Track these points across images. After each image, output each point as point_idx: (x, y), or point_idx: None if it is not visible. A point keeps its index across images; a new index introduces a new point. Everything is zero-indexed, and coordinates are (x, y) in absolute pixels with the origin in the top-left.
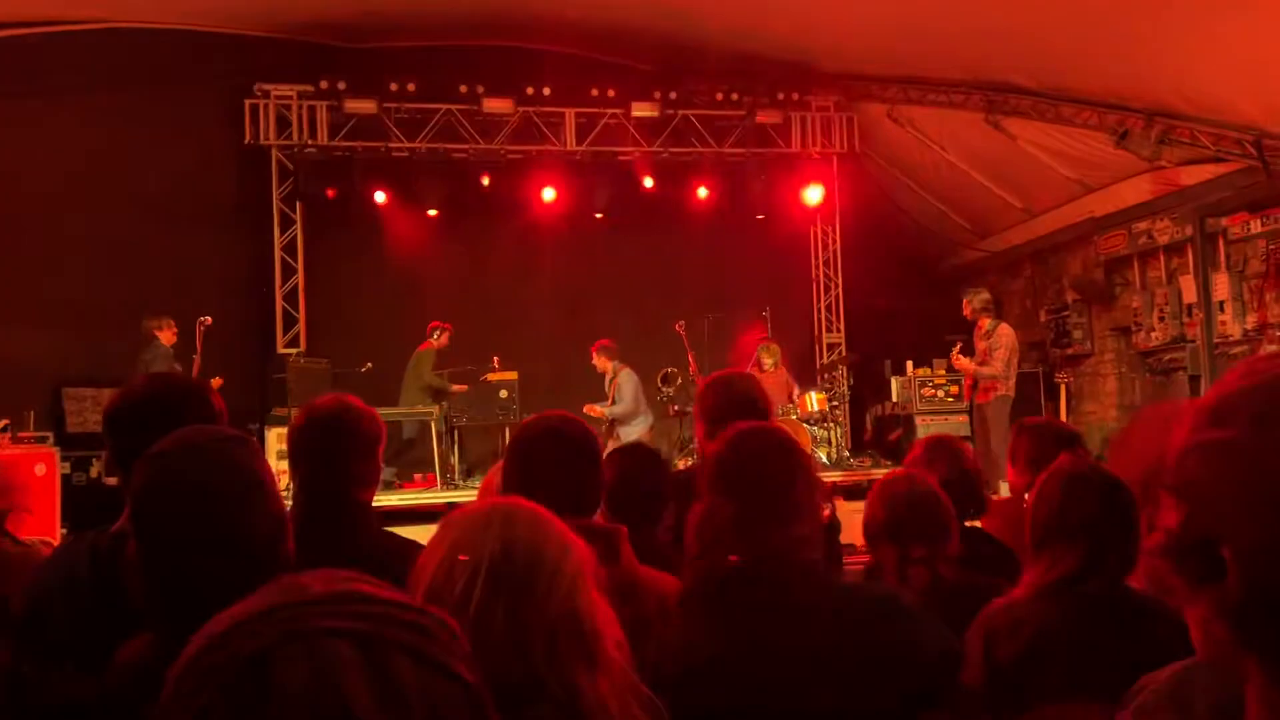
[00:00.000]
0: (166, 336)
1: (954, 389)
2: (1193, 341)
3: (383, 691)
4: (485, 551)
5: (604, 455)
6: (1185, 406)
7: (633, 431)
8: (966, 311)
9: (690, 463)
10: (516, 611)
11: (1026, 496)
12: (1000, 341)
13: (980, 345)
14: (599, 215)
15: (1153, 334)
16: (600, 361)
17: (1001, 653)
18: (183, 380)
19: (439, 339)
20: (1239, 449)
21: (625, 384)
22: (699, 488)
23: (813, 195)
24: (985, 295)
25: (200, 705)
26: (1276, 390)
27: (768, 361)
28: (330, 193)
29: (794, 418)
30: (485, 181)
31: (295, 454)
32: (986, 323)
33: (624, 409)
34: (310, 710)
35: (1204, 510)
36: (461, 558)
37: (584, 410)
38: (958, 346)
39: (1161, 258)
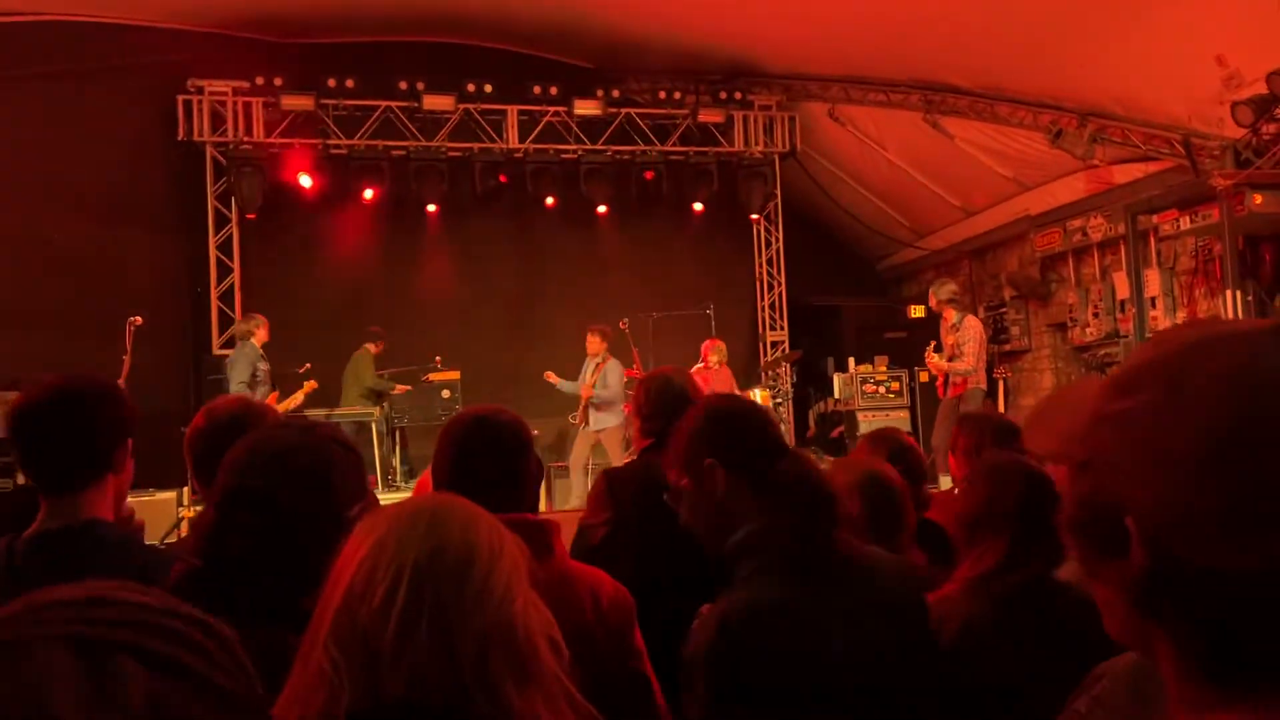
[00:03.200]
0: (261, 336)
1: (894, 385)
2: (1126, 336)
3: (96, 698)
4: (410, 555)
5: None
6: (1099, 383)
7: (609, 419)
8: (932, 303)
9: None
10: (443, 621)
11: (956, 491)
12: (969, 334)
13: (948, 339)
14: (550, 200)
15: (1088, 329)
16: (597, 343)
17: None
18: (93, 381)
19: (376, 346)
20: (1149, 412)
21: (612, 373)
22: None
23: (756, 199)
24: (952, 286)
25: None
26: (1187, 356)
27: (713, 359)
28: (266, 191)
29: None
30: (425, 180)
31: (197, 456)
32: (953, 315)
33: (610, 395)
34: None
35: (1110, 479)
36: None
37: (545, 376)
38: (931, 345)
39: (1095, 254)
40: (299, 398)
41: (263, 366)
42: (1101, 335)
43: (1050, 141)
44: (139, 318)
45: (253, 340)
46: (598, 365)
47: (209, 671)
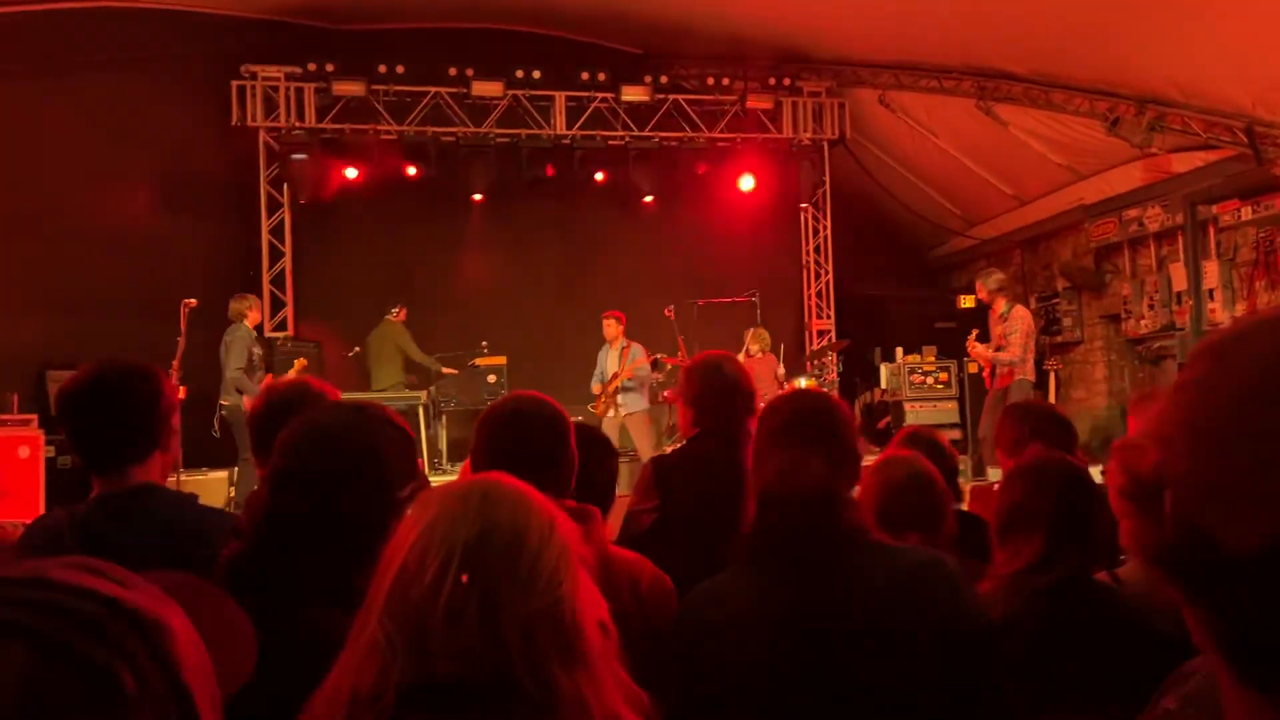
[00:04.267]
0: (253, 318)
1: (943, 375)
2: (1182, 329)
3: None
4: (461, 535)
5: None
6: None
7: (637, 404)
8: (981, 295)
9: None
10: (492, 602)
11: (995, 487)
12: (1016, 325)
13: (996, 329)
14: (597, 183)
15: (1142, 321)
16: (616, 328)
17: None
18: (132, 365)
19: (397, 315)
20: (1193, 384)
21: (638, 355)
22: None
23: (805, 187)
24: (999, 276)
25: None
26: (1244, 332)
27: (754, 347)
28: (317, 175)
29: None
30: (473, 165)
31: (255, 436)
32: (1002, 305)
33: (638, 379)
34: None
35: (1159, 450)
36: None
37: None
38: (974, 334)
39: (1152, 245)
40: (291, 376)
41: (257, 350)
42: (1157, 328)
43: (1107, 129)
44: (193, 300)
45: (245, 323)
46: (623, 350)
47: (109, 662)
